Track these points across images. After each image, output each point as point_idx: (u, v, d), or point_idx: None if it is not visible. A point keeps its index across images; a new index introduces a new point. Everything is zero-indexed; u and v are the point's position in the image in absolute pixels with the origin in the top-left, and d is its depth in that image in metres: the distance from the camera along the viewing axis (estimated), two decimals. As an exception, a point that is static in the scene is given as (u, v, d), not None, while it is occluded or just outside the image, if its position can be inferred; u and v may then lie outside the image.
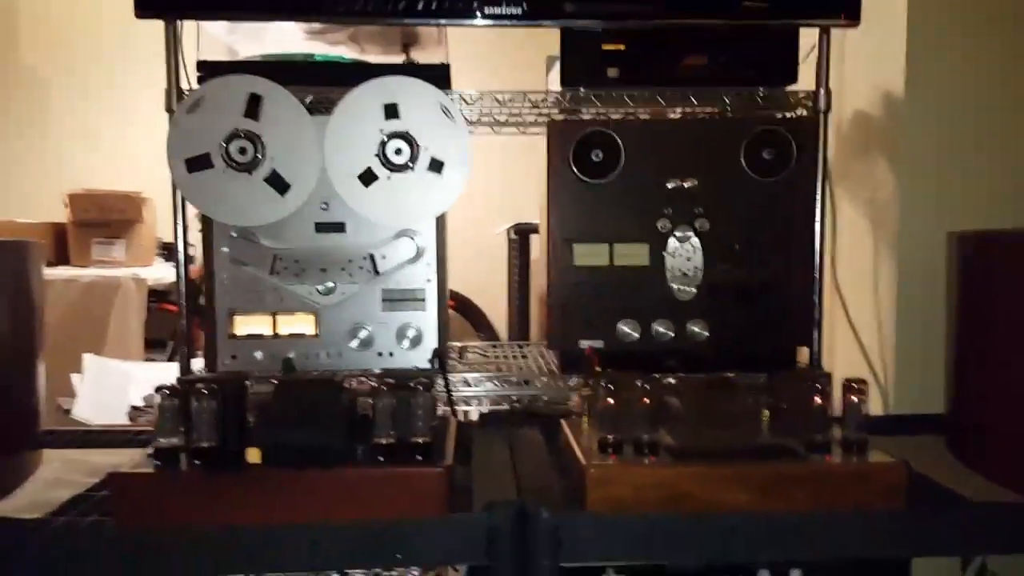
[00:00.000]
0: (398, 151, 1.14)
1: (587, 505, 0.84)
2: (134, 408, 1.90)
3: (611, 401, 0.89)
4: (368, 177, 1.14)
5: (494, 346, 1.61)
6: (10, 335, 1.02)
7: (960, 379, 1.06)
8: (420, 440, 0.87)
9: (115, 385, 2.04)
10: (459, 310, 2.79)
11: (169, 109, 1.15)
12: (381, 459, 0.86)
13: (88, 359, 2.08)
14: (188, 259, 1.23)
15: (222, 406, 0.85)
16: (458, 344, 1.56)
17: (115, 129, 3.48)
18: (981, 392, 1.01)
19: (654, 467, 0.86)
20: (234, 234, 1.16)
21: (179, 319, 1.20)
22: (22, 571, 0.79)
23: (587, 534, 0.81)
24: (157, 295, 2.65)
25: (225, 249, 1.16)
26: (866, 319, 1.41)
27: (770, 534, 0.82)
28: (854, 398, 0.90)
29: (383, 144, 1.13)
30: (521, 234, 2.56)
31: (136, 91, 3.19)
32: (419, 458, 0.86)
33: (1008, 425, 0.95)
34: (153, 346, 2.61)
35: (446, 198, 1.15)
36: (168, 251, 2.93)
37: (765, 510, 0.83)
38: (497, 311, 2.90)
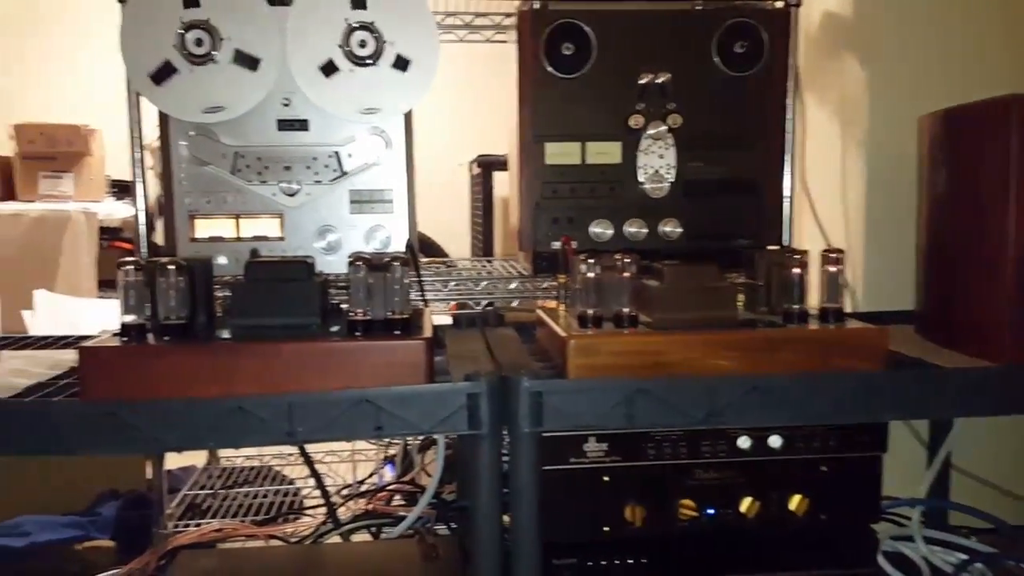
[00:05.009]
0: (362, 43, 1.10)
1: (569, 376, 0.83)
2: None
3: (591, 275, 0.87)
4: (329, 68, 1.10)
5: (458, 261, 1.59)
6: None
7: (930, 258, 1.07)
8: (398, 316, 0.85)
9: (68, 322, 1.98)
10: (420, 250, 2.73)
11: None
12: (358, 333, 0.84)
13: (40, 295, 2.01)
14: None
15: (190, 282, 0.81)
16: (424, 259, 1.54)
17: (63, 63, 3.36)
18: (951, 271, 1.02)
19: (635, 335, 0.85)
20: (192, 132, 1.12)
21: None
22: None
23: (569, 400, 0.79)
24: (109, 233, 2.56)
25: (183, 143, 1.11)
26: (835, 221, 1.42)
27: (752, 398, 0.81)
28: (831, 268, 0.90)
29: (347, 35, 1.10)
30: (485, 167, 2.42)
31: (87, 24, 3.08)
32: (397, 332, 0.84)
33: (977, 299, 0.96)
34: (107, 286, 2.53)
35: (412, 95, 1.12)
36: (119, 189, 2.82)
37: (747, 374, 0.83)
38: (461, 253, 2.86)
